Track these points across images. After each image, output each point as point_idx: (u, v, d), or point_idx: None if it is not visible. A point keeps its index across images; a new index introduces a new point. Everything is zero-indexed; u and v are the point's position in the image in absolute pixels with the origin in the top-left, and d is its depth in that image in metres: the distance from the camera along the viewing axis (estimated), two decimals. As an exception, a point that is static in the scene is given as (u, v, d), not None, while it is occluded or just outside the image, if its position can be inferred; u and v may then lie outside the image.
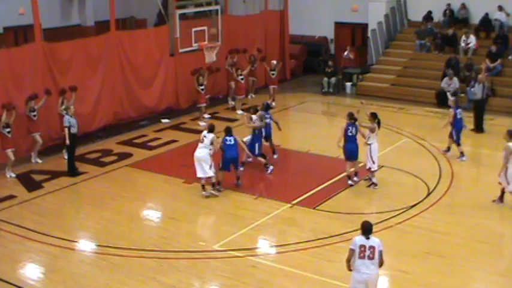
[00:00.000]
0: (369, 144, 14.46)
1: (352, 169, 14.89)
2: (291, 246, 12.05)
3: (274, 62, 23.30)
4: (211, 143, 14.13)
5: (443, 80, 22.39)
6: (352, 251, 8.87)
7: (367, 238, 8.86)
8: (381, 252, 8.84)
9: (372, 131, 14.42)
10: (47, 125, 17.18)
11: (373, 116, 14.54)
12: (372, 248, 8.79)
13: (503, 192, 13.53)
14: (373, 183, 14.76)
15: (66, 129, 15.65)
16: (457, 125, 16.43)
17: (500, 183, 13.55)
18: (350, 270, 8.98)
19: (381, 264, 8.89)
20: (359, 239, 8.88)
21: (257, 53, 23.68)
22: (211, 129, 14.32)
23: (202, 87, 20.42)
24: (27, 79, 17.00)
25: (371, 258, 8.79)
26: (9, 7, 22.77)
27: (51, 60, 17.64)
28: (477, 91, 19.39)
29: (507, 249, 12.00)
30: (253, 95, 23.85)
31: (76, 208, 13.95)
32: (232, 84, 22.23)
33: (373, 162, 14.52)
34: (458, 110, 16.49)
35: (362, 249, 8.78)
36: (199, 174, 14.22)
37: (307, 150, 17.69)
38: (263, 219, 13.23)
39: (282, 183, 15.55)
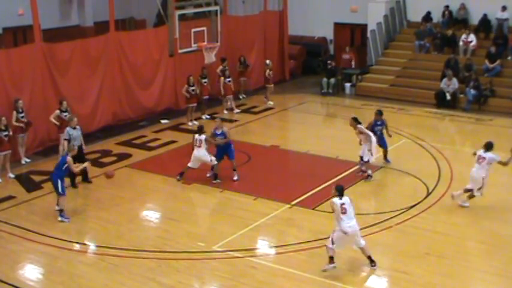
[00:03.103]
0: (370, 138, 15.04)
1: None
2: (290, 246, 12.05)
3: (268, 61, 23.33)
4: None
5: (443, 81, 22.42)
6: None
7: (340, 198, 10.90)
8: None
9: (362, 132, 15.05)
10: (47, 125, 17.17)
11: (355, 121, 15.15)
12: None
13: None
14: (369, 175, 15.24)
15: (66, 142, 15.01)
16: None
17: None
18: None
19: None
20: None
21: (244, 58, 23.53)
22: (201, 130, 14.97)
23: (193, 87, 20.40)
24: (27, 80, 17.00)
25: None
26: (9, 8, 22.74)
27: (51, 60, 17.63)
28: None
29: (506, 249, 11.98)
30: (244, 95, 23.80)
31: (75, 208, 13.92)
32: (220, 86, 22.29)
33: (372, 155, 15.06)
34: None
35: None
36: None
37: (307, 151, 17.68)
38: (262, 219, 13.23)
39: (281, 183, 15.52)
